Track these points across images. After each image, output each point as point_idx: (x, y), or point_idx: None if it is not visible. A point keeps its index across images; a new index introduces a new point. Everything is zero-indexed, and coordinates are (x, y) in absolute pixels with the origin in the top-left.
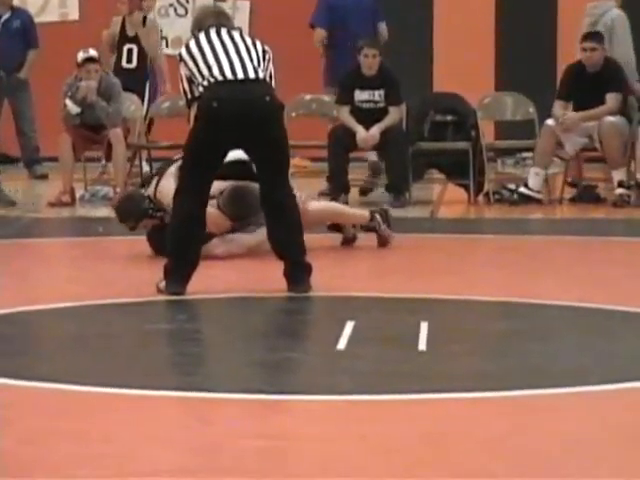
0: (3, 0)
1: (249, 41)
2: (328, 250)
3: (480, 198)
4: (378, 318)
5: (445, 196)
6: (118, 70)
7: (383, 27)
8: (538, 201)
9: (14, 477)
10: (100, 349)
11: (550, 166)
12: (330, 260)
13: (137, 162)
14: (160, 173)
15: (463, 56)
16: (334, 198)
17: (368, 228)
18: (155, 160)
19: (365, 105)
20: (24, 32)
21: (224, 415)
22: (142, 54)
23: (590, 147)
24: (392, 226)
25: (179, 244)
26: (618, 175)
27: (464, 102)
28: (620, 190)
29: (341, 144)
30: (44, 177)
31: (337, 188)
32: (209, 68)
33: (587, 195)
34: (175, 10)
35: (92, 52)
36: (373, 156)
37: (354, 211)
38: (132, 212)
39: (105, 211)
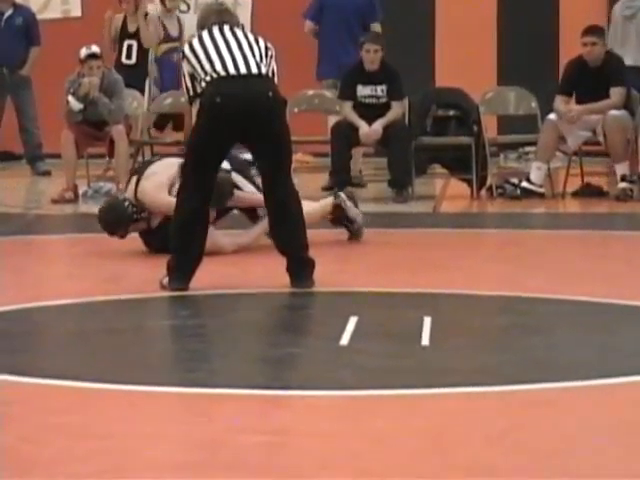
0: None
1: (252, 38)
2: (331, 245)
3: (483, 193)
4: (381, 313)
5: (448, 191)
6: (118, 66)
7: (377, 27)
8: (541, 195)
9: (15, 474)
10: (102, 345)
11: (552, 160)
12: (333, 255)
13: (140, 158)
14: (139, 173)
15: (465, 51)
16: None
17: (337, 218)
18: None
19: (367, 100)
20: (26, 29)
21: (226, 411)
22: (142, 50)
23: (592, 141)
24: (359, 206)
25: (182, 240)
26: (621, 169)
27: (466, 97)
28: (623, 184)
29: (344, 139)
30: (47, 174)
31: (339, 183)
32: (211, 63)
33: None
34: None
35: (94, 48)
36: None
37: (319, 203)
38: (118, 222)
39: None
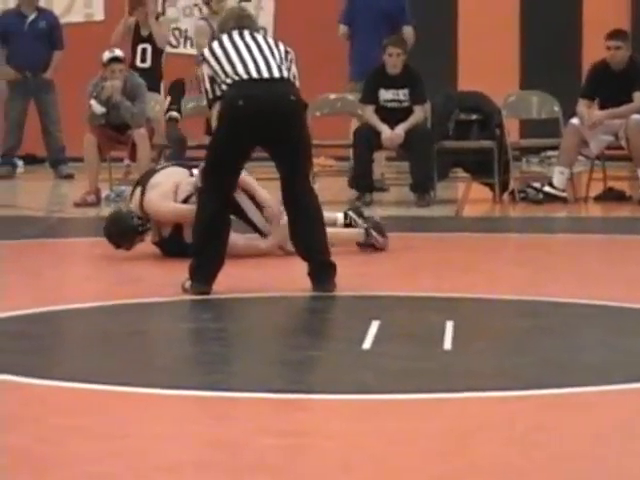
0: (29, 1)
1: (272, 42)
2: (353, 249)
3: (505, 197)
4: (403, 317)
5: (470, 195)
6: (133, 70)
7: (408, 30)
8: (563, 200)
9: (31, 474)
10: (121, 348)
11: (575, 164)
12: (355, 259)
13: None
14: (142, 184)
15: (488, 55)
16: (359, 197)
17: (365, 244)
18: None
19: (390, 104)
20: (50, 33)
21: (247, 413)
22: (156, 53)
23: (615, 145)
24: (387, 233)
25: (204, 244)
26: None
27: (489, 101)
28: None
29: (366, 143)
30: (70, 177)
31: (361, 187)
32: (233, 66)
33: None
34: (200, 10)
35: (117, 52)
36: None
37: (347, 230)
38: (123, 235)
39: None
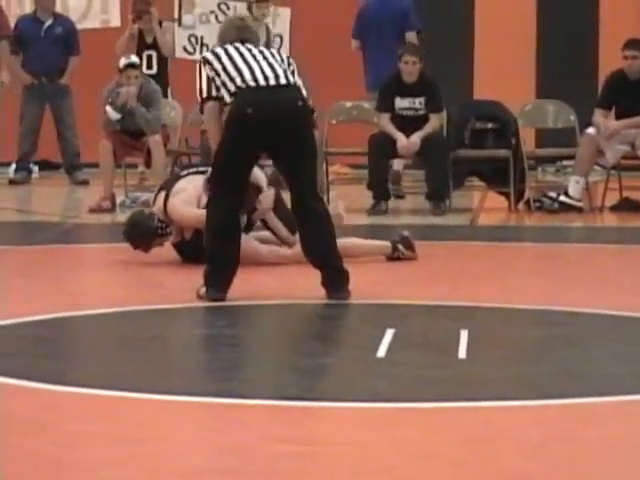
0: (46, 7)
1: (274, 51)
2: (367, 257)
3: (520, 206)
4: (418, 325)
5: (485, 204)
6: None
7: (411, 36)
8: (579, 209)
9: (49, 479)
10: (137, 354)
11: (591, 174)
12: (369, 267)
13: (177, 169)
14: (167, 189)
15: (504, 63)
16: (374, 205)
17: (392, 258)
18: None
19: (405, 112)
20: (66, 39)
21: (260, 420)
22: (162, 60)
23: (631, 155)
24: (416, 248)
25: (217, 249)
26: None
27: (505, 109)
28: None
29: (381, 151)
30: (85, 183)
31: (377, 195)
32: (239, 72)
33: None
34: (216, 17)
35: (133, 58)
36: (397, 165)
37: (375, 243)
38: (142, 237)
39: None
